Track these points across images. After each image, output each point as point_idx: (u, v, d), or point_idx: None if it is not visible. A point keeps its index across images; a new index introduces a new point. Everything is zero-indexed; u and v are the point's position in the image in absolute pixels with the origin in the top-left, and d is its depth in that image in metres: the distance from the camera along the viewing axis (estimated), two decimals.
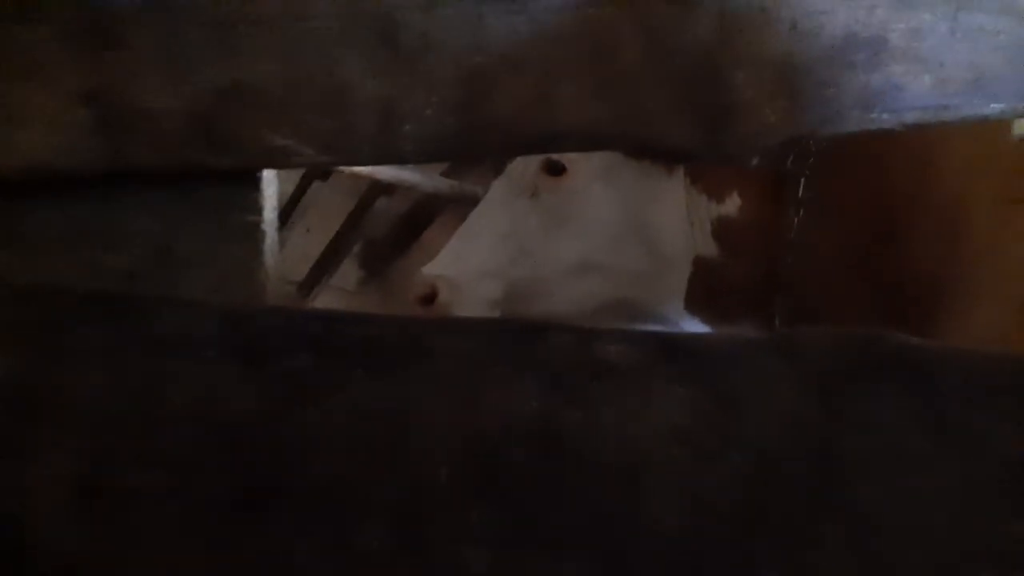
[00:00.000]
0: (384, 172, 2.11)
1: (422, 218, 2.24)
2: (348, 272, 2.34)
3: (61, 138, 0.79)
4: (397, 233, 2.30)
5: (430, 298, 1.45)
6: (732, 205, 1.43)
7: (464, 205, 1.92)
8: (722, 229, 1.44)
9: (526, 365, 0.70)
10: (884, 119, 0.69)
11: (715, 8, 0.69)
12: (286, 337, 0.74)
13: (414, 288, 1.46)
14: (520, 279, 1.48)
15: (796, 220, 1.36)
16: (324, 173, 2.36)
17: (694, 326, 1.52)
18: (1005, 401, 0.62)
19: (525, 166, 1.44)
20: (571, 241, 1.46)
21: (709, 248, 1.46)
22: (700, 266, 1.47)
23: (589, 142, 0.74)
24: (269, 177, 0.83)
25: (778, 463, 0.64)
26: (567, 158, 1.40)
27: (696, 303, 1.50)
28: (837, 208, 1.36)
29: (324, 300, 2.36)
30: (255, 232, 0.82)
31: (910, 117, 0.69)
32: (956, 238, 1.30)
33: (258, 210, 0.82)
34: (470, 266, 1.47)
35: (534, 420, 0.69)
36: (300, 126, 0.76)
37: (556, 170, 1.43)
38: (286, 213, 2.37)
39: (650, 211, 1.45)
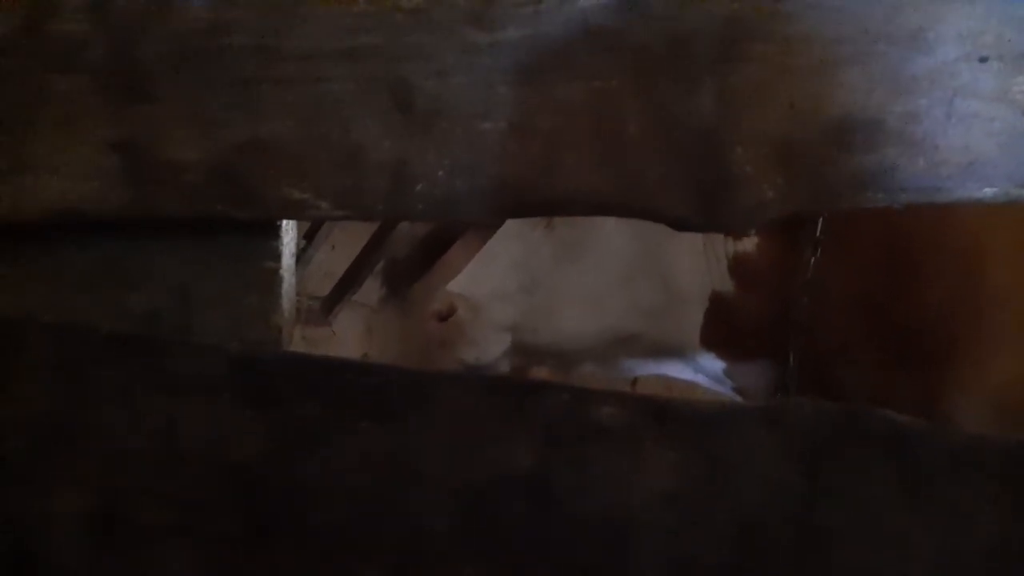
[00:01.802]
0: None
1: (444, 239, 2.26)
2: (371, 289, 2.37)
3: (91, 185, 0.83)
4: (420, 253, 2.33)
5: (447, 315, 1.48)
6: (750, 242, 1.45)
7: (486, 228, 1.95)
8: (739, 266, 1.46)
9: (523, 422, 0.73)
10: (878, 198, 0.71)
11: (716, 85, 0.72)
12: (296, 384, 0.78)
13: (433, 304, 1.49)
14: (531, 307, 1.50)
15: (813, 260, 1.37)
16: None
17: (710, 362, 1.54)
18: (988, 483, 0.64)
19: None
20: (583, 273, 1.48)
21: (725, 284, 1.47)
22: (716, 302, 1.48)
23: (592, 209, 0.76)
24: (288, 225, 0.86)
25: (762, 531, 0.66)
26: None
27: (712, 339, 1.51)
28: (854, 249, 1.37)
29: (346, 315, 2.39)
30: (273, 278, 0.85)
31: (903, 198, 0.71)
32: (973, 284, 1.30)
33: (277, 257, 0.85)
34: (485, 289, 1.50)
35: (529, 476, 0.72)
36: (317, 182, 0.79)
37: None
38: (312, 230, 2.41)
39: (665, 246, 1.47)
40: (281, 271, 0.86)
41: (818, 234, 1.35)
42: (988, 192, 0.70)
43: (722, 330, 1.48)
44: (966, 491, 0.64)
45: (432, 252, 2.41)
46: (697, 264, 1.47)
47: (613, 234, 1.46)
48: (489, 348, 1.50)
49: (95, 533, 0.77)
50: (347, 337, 2.41)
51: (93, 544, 0.76)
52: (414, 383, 0.75)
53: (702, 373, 1.55)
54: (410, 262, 2.40)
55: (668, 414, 0.71)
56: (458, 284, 1.52)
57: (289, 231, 0.87)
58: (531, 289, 1.49)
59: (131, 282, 0.85)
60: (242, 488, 0.77)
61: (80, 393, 0.80)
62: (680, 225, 0.74)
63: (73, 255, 0.86)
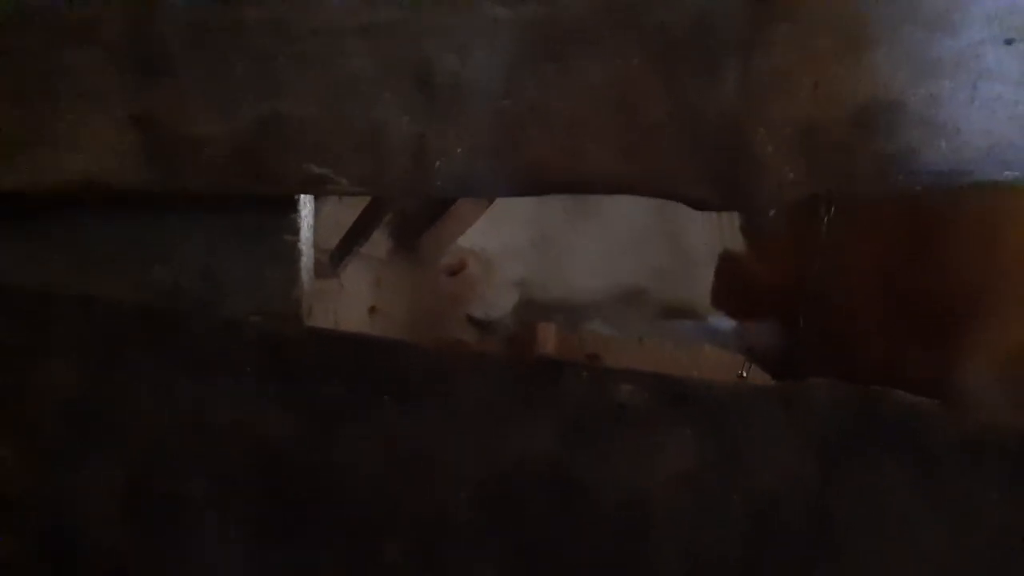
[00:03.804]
0: None
1: None
2: (379, 241, 2.37)
3: (111, 160, 0.83)
4: (427, 205, 2.32)
5: (457, 269, 1.49)
6: None
7: None
8: (751, 225, 1.45)
9: (542, 404, 0.74)
10: (899, 181, 0.71)
11: (739, 69, 0.71)
12: (320, 363, 0.79)
13: (444, 258, 1.50)
14: (541, 265, 1.51)
15: (826, 220, 1.37)
16: None
17: (719, 321, 1.54)
18: (999, 471, 0.65)
19: None
20: (595, 231, 1.49)
21: (737, 244, 1.47)
22: (727, 261, 1.48)
23: (611, 189, 0.76)
24: (305, 199, 0.87)
25: (777, 514, 0.68)
26: None
27: (721, 298, 1.51)
28: (870, 216, 1.37)
29: (355, 267, 2.39)
30: (292, 251, 0.86)
31: (924, 180, 0.71)
32: (989, 250, 1.30)
33: (295, 231, 0.86)
34: (496, 245, 1.51)
35: (548, 457, 0.73)
36: (337, 158, 0.79)
37: None
38: None
39: (678, 204, 1.46)
40: (300, 244, 0.87)
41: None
42: (1009, 175, 0.70)
43: (732, 289, 1.49)
44: (978, 476, 0.65)
45: (440, 204, 2.40)
46: (710, 223, 1.47)
47: None
48: (498, 303, 1.51)
49: (126, 507, 0.79)
50: (356, 289, 2.41)
51: (124, 516, 0.79)
52: (436, 364, 0.76)
53: (711, 333, 1.56)
54: (418, 214, 2.40)
55: (687, 395, 0.72)
56: (469, 239, 1.52)
57: (306, 204, 0.87)
58: (542, 245, 1.50)
59: (153, 256, 0.86)
60: (267, 462, 0.79)
61: (107, 368, 0.81)
62: (700, 206, 0.74)
63: (95, 229, 0.86)
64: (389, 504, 0.75)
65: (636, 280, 1.51)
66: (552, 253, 1.50)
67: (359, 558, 0.75)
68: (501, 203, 1.54)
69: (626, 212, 1.48)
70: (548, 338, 2.22)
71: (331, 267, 2.46)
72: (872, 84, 0.70)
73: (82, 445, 0.80)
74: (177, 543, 0.77)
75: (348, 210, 2.46)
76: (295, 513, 0.77)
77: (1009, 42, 0.68)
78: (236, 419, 0.79)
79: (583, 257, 1.50)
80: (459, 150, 0.77)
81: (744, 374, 1.67)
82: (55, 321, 0.83)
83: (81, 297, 0.83)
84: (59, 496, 0.78)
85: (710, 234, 1.48)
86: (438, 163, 0.78)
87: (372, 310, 2.56)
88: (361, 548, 0.75)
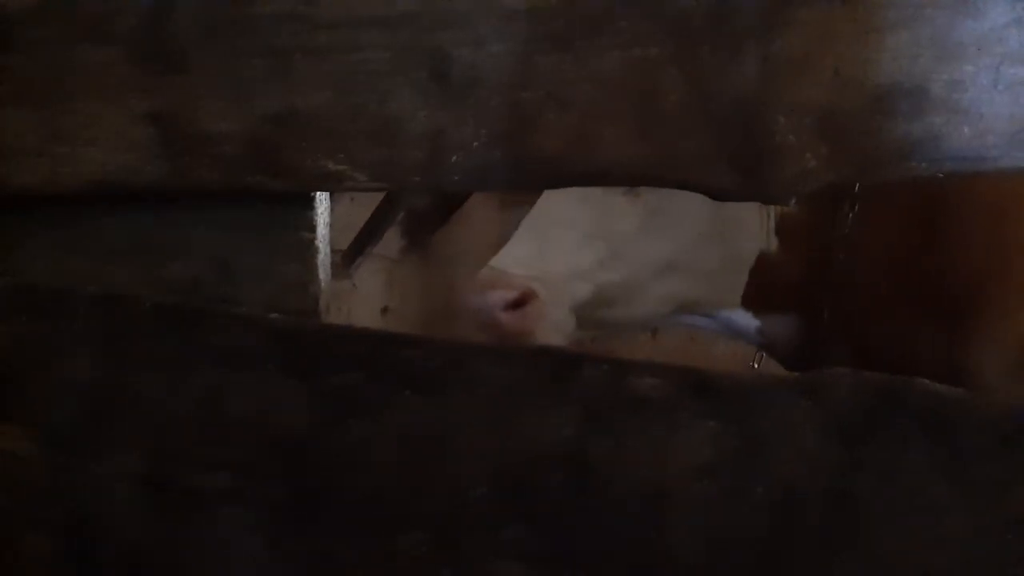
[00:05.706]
0: None
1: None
2: (391, 240, 2.37)
3: (126, 156, 0.83)
4: (439, 202, 2.32)
5: (521, 302, 1.26)
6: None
7: None
8: (784, 224, 1.43)
9: (562, 394, 0.73)
10: (922, 168, 0.70)
11: (759, 53, 0.70)
12: (338, 355, 0.79)
13: (492, 289, 1.29)
14: (608, 282, 1.42)
15: (850, 216, 1.35)
16: None
17: (740, 316, 1.52)
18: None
19: None
20: (662, 241, 1.41)
21: (771, 243, 1.45)
22: (759, 261, 1.46)
23: (629, 179, 0.76)
24: (321, 196, 0.86)
25: (799, 502, 0.67)
26: None
27: (750, 297, 1.49)
28: (885, 201, 1.35)
29: (367, 268, 2.39)
30: (309, 248, 0.86)
31: (947, 167, 0.70)
32: (1004, 237, 1.29)
33: (312, 228, 0.86)
34: (557, 266, 1.37)
35: (567, 447, 0.73)
36: (353, 153, 0.79)
37: None
38: None
39: (734, 207, 1.38)
40: (317, 241, 0.86)
41: (856, 189, 1.33)
42: None
43: (759, 287, 1.47)
44: (1005, 463, 0.65)
45: (451, 201, 2.39)
46: (755, 224, 1.43)
47: (691, 198, 1.34)
48: (567, 329, 1.41)
49: (147, 500, 0.79)
50: (368, 290, 2.41)
51: (145, 510, 0.79)
52: (455, 355, 0.76)
53: (729, 325, 1.53)
54: (430, 212, 2.39)
55: (707, 385, 0.71)
56: (523, 262, 1.34)
57: (323, 201, 0.87)
58: (608, 263, 1.39)
59: (169, 253, 0.86)
60: (287, 456, 0.79)
61: (127, 363, 0.81)
62: (721, 196, 0.74)
63: (111, 226, 0.86)
64: (408, 495, 0.75)
65: (688, 287, 1.45)
66: (621, 269, 1.41)
67: (380, 547, 0.75)
68: (549, 214, 1.39)
69: (690, 217, 1.40)
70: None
71: (344, 268, 2.46)
72: (894, 69, 0.69)
73: (104, 439, 0.80)
74: (199, 535, 0.77)
75: (360, 210, 2.46)
76: (316, 504, 0.77)
77: None
78: (256, 413, 0.79)
79: (650, 269, 1.42)
80: (476, 144, 0.77)
81: (756, 366, 1.65)
82: (75, 317, 0.83)
83: (101, 293, 0.84)
84: (81, 490, 0.79)
85: (755, 234, 1.43)
86: (455, 157, 0.77)
87: (384, 310, 2.55)
88: (382, 537, 0.75)
